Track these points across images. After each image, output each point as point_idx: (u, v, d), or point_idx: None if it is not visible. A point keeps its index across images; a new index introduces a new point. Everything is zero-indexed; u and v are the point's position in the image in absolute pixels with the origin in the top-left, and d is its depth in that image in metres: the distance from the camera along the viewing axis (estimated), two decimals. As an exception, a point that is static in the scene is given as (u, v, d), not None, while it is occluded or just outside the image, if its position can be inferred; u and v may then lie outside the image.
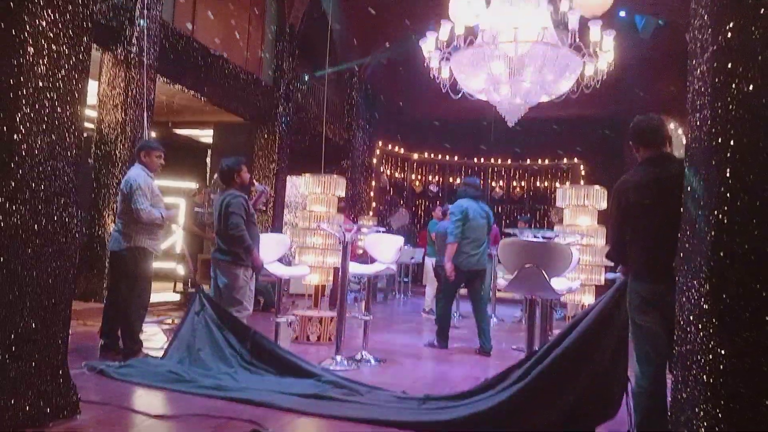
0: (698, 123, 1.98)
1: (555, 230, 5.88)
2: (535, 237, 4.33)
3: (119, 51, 7.17)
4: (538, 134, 13.67)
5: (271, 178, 10.42)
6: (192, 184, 10.33)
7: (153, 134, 7.78)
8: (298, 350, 5.33)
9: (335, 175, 6.80)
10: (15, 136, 2.64)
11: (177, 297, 8.11)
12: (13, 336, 2.61)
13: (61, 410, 2.83)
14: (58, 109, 2.85)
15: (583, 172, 14.70)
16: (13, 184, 2.65)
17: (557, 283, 4.18)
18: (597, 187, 6.42)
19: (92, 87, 6.64)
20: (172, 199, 10.65)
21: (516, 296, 8.57)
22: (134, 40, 7.13)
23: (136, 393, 3.57)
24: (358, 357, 4.92)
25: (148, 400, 3.45)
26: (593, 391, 2.94)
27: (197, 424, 3.04)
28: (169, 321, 6.46)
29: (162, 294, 8.20)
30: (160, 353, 4.88)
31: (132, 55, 7.14)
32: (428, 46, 6.49)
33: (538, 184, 15.60)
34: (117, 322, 4.54)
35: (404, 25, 11.46)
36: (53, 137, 2.83)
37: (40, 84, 2.76)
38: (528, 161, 15.50)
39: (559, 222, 7.02)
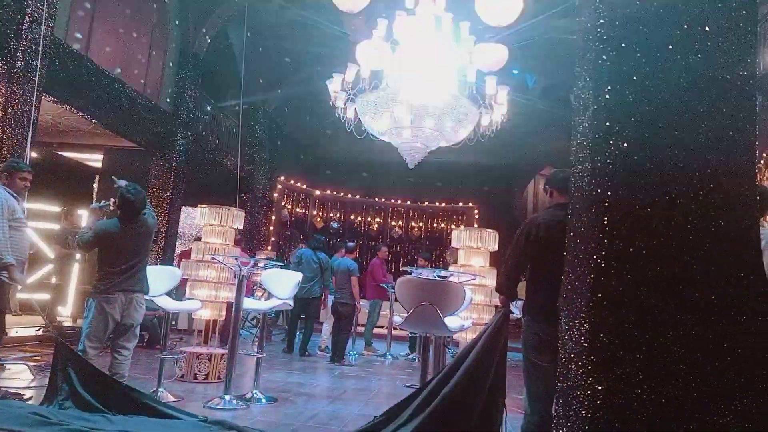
0: (580, 174, 2.15)
1: (450, 270, 6.07)
2: (432, 276, 4.44)
3: (1, 64, 6.64)
4: (436, 178, 14.21)
5: (164, 208, 9.96)
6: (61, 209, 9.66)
7: (34, 154, 7.20)
8: (184, 389, 5.04)
9: (233, 208, 6.62)
10: None
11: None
12: None
13: None
14: None
15: (477, 216, 15.40)
16: None
17: (451, 321, 4.29)
18: (489, 230, 6.73)
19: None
20: (44, 225, 9.91)
21: (409, 333, 8.69)
22: (19, 54, 6.64)
23: (-8, 439, 3.19)
24: (249, 396, 4.73)
25: (6, 448, 3.08)
26: (480, 420, 3.02)
27: (64, 472, 2.75)
28: (38, 358, 5.88)
29: (29, 329, 7.47)
30: (26, 392, 4.44)
31: (16, 70, 6.63)
32: (334, 86, 6.60)
33: (435, 224, 16.11)
34: None
35: (311, 63, 11.61)
36: None
37: None
38: (426, 203, 16.02)
39: (453, 262, 7.25)
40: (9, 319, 7.40)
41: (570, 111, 2.37)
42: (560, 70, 11.00)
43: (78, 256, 8.63)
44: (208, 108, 11.68)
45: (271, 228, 13.98)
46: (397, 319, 4.61)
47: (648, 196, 2.00)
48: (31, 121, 6.60)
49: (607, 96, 2.06)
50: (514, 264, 2.91)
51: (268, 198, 13.85)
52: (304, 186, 15.38)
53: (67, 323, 7.48)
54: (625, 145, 2.02)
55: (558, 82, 11.73)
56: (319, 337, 8.75)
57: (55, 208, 10.00)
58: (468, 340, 6.57)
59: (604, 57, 2.09)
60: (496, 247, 6.62)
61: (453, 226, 14.86)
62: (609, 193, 2.01)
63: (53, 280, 8.33)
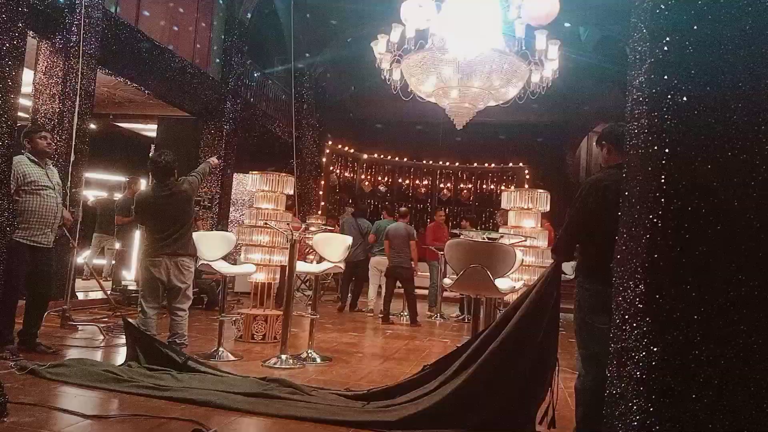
0: (636, 131, 2.07)
1: (500, 232, 6.02)
2: (481, 238, 4.42)
3: (58, 39, 6.86)
4: (485, 138, 13.97)
5: (217, 175, 10.20)
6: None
7: (92, 126, 7.48)
8: (243, 349, 5.25)
9: (284, 173, 6.72)
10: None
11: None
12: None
13: (-13, 413, 2.69)
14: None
15: (527, 176, 15.11)
16: None
17: (501, 283, 4.28)
18: (541, 190, 6.60)
19: (27, 76, 6.32)
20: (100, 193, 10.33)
21: (458, 295, 8.73)
22: (74, 29, 6.83)
23: (69, 393, 3.43)
24: (304, 355, 4.89)
25: (82, 401, 3.31)
26: (529, 379, 3.04)
27: (135, 424, 2.94)
28: (105, 319, 6.24)
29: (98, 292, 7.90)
30: (97, 352, 4.72)
31: (71, 45, 6.85)
32: (379, 47, 6.51)
33: (484, 186, 15.91)
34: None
35: (356, 26, 11.47)
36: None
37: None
38: (475, 164, 15.80)
39: (503, 224, 7.18)
40: (79, 283, 7.87)
41: (625, 65, 2.27)
42: (615, 22, 10.50)
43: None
44: (256, 75, 11.78)
45: (321, 192, 14.14)
46: (447, 281, 4.63)
47: (708, 153, 1.91)
48: (87, 93, 6.83)
49: (665, 48, 1.96)
50: (576, 227, 2.80)
51: (317, 163, 13.97)
52: (352, 150, 15.42)
53: (132, 287, 7.87)
54: (685, 99, 1.93)
55: (612, 34, 11.20)
56: (366, 298, 8.92)
57: (115, 178, 10.42)
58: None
59: (662, 6, 1.97)
60: (547, 208, 6.49)
61: (503, 187, 14.65)
62: (666, 150, 1.93)
63: (117, 246, 8.74)
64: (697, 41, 1.93)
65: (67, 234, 5.30)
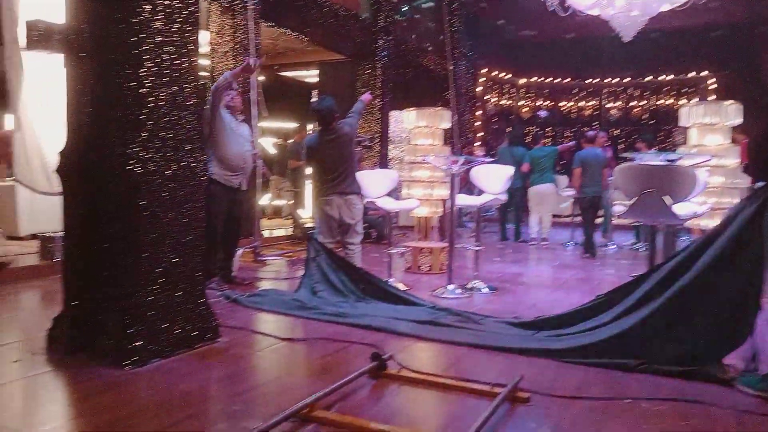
0: None
1: (679, 152, 5.47)
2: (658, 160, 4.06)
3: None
4: (659, 47, 12.48)
5: (375, 114, 10.47)
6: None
7: (261, 78, 8.04)
8: (412, 279, 5.51)
9: (439, 108, 6.71)
10: (141, 90, 2.87)
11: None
12: (159, 270, 2.93)
13: (204, 333, 3.17)
14: (176, 62, 3.03)
15: (712, 87, 13.33)
16: (145, 134, 2.90)
17: (681, 208, 3.92)
18: (729, 102, 5.82)
19: (203, 37, 6.92)
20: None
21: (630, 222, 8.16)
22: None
23: (265, 319, 3.91)
24: (470, 286, 5.00)
25: (276, 325, 3.76)
26: (723, 319, 2.78)
27: (322, 346, 3.28)
28: (290, 254, 6.90)
29: (281, 230, 8.77)
30: (283, 283, 5.27)
31: (236, 2, 7.33)
32: (533, -40, 6.06)
33: (659, 102, 14.37)
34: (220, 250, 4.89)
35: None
36: (174, 88, 3.03)
37: (158, 39, 2.95)
38: (648, 78, 14.24)
39: (683, 143, 6.49)
40: (263, 222, 8.76)
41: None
42: None
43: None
44: (405, 9, 11.67)
45: (477, 123, 13.89)
46: (619, 208, 4.36)
47: None
48: (255, 47, 7.30)
49: None
50: None
51: (472, 93, 13.66)
52: (508, 76, 14.79)
53: (308, 224, 8.58)
54: None
55: None
56: (527, 227, 8.75)
57: (285, 125, 11.21)
58: (704, 226, 5.98)
59: None
60: (739, 121, 5.72)
61: (683, 101, 13.12)
62: None
63: (292, 188, 9.55)
64: None
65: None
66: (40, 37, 5.50)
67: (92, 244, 2.94)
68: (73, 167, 3.04)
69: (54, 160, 3.13)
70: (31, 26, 5.48)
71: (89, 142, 3.00)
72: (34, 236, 5.77)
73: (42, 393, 2.57)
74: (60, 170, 3.09)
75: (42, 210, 5.83)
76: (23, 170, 5.58)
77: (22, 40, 5.44)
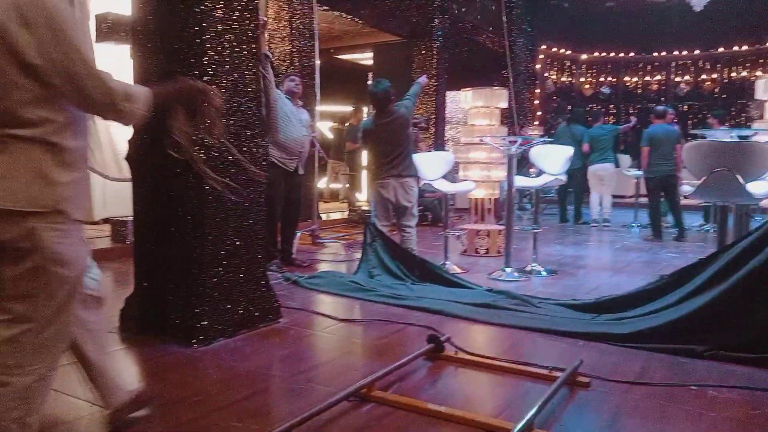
0: None
1: (753, 127, 5.16)
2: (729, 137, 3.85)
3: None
4: (733, 16, 11.74)
5: (431, 95, 10.38)
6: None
7: (319, 62, 8.13)
8: (468, 262, 5.48)
9: (496, 87, 6.58)
10: (204, 78, 2.96)
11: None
12: (223, 252, 3.05)
13: (266, 314, 3.29)
14: (236, 49, 3.11)
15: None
16: (208, 120, 2.99)
17: (756, 187, 3.72)
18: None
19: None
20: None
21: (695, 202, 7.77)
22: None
23: (324, 300, 4.00)
24: (528, 268, 4.93)
25: (334, 306, 3.84)
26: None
27: (379, 327, 3.33)
28: (347, 237, 7.00)
29: (338, 213, 8.90)
30: (341, 265, 5.36)
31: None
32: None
33: (732, 74, 13.54)
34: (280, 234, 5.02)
35: None
36: (235, 75, 3.11)
37: (219, 27, 3.02)
38: (720, 49, 13.43)
39: (759, 118, 6.12)
40: (321, 206, 8.90)
41: None
42: None
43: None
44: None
45: (536, 102, 13.54)
46: (687, 188, 4.18)
47: None
48: (312, 31, 7.37)
49: None
50: None
51: (531, 71, 13.30)
52: (569, 51, 14.29)
53: (364, 207, 8.65)
54: None
55: None
56: (587, 209, 8.51)
57: (342, 108, 11.28)
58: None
59: None
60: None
61: (758, 73, 12.32)
62: None
63: (348, 171, 9.64)
64: None
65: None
66: (109, 29, 5.75)
67: (160, 228, 3.09)
68: (142, 155, 3.18)
69: (124, 148, 3.28)
70: (100, 19, 5.74)
71: (156, 131, 3.13)
72: (106, 220, 6.08)
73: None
74: (129, 158, 3.24)
75: (114, 195, 6.14)
76: (96, 158, 5.88)
77: (92, 32, 5.71)
